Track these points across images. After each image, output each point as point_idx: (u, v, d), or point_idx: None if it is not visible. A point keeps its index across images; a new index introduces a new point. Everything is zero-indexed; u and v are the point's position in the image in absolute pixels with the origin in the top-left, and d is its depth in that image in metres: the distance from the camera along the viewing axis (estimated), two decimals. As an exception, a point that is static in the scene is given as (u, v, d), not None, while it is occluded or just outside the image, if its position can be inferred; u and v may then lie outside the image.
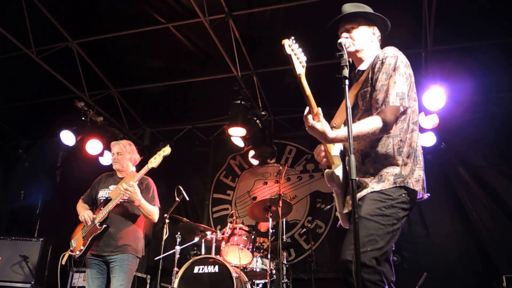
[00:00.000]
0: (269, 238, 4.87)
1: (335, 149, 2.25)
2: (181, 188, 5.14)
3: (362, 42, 2.37)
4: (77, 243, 3.73)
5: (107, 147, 6.21)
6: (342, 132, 2.06)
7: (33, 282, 5.62)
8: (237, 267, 4.77)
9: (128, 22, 5.51)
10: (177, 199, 5.12)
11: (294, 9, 5.12)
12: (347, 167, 2.18)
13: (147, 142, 7.56)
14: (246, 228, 5.14)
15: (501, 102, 5.99)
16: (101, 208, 3.73)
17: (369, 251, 1.96)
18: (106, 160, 6.65)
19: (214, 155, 7.58)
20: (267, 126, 6.75)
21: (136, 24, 5.52)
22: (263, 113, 6.22)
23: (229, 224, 5.18)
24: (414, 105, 2.25)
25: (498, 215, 5.63)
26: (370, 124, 2.09)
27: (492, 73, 5.55)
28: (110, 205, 3.67)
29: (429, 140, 5.76)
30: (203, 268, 4.56)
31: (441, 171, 6.05)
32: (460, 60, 5.44)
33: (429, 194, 2.21)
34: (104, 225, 3.66)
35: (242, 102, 5.86)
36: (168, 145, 3.81)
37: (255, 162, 6.96)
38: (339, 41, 2.14)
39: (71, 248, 3.77)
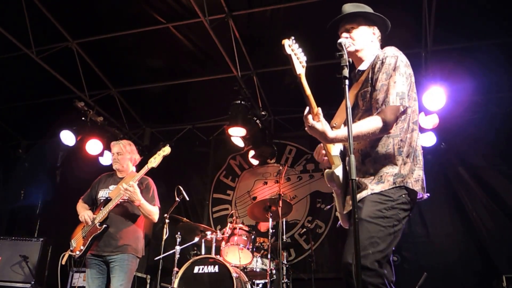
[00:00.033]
0: (269, 238, 4.88)
1: (335, 149, 2.25)
2: (181, 188, 5.14)
3: (362, 42, 2.37)
4: (77, 243, 3.73)
5: (107, 147, 6.21)
6: (342, 132, 2.06)
7: (33, 282, 5.62)
8: (237, 267, 4.77)
9: (128, 22, 5.51)
10: (177, 199, 5.12)
11: (294, 9, 5.12)
12: (347, 167, 2.18)
13: (147, 142, 7.56)
14: (246, 228, 5.14)
15: (501, 102, 5.99)
16: (101, 208, 3.73)
17: (370, 254, 1.95)
18: (106, 160, 6.65)
19: (214, 155, 7.58)
20: (267, 126, 6.75)
21: (136, 24, 5.52)
22: (263, 113, 6.22)
23: (229, 224, 5.18)
24: (414, 104, 2.25)
25: (498, 215, 5.63)
26: (370, 124, 2.09)
27: (492, 73, 5.55)
28: (110, 205, 3.67)
29: (429, 140, 5.76)
30: (203, 268, 4.56)
31: (441, 171, 6.05)
32: (460, 60, 5.44)
33: (428, 194, 2.21)
34: (104, 225, 3.66)
35: (242, 102, 5.86)
36: (168, 145, 3.81)
37: (255, 162, 6.96)
38: (339, 41, 2.14)
39: (71, 248, 3.77)
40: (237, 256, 4.89)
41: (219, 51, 5.58)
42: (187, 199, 5.30)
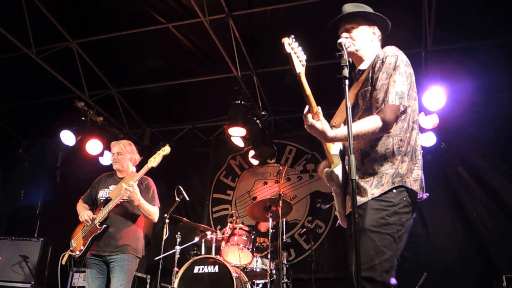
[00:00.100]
0: (269, 238, 4.88)
1: (335, 148, 2.25)
2: (181, 188, 5.14)
3: (362, 41, 2.36)
4: (77, 243, 3.73)
5: (107, 147, 6.21)
6: (341, 131, 2.05)
7: (33, 282, 5.62)
8: (237, 267, 4.77)
9: (128, 22, 5.51)
10: (177, 199, 5.12)
11: (294, 9, 5.12)
12: (346, 167, 2.18)
13: (147, 142, 7.56)
14: (246, 228, 5.14)
15: (501, 102, 5.99)
16: (101, 208, 3.73)
17: (377, 264, 1.93)
18: (106, 160, 6.65)
19: (214, 155, 7.58)
20: (267, 126, 6.75)
21: (136, 24, 5.52)
22: (263, 113, 6.23)
23: (229, 224, 5.18)
24: (414, 104, 2.24)
25: (498, 215, 5.63)
26: (370, 123, 2.08)
27: (492, 73, 5.55)
28: (110, 205, 3.67)
29: (429, 140, 5.76)
30: (203, 268, 4.56)
31: (441, 171, 6.05)
32: (460, 60, 5.43)
33: (428, 194, 2.19)
34: (104, 225, 3.66)
35: (242, 102, 5.86)
36: (168, 145, 3.81)
37: (255, 162, 6.96)
38: (339, 41, 2.13)
39: (71, 248, 3.77)
40: (237, 256, 4.89)
41: (219, 51, 5.58)
42: (187, 199, 5.30)
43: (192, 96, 6.84)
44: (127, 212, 3.79)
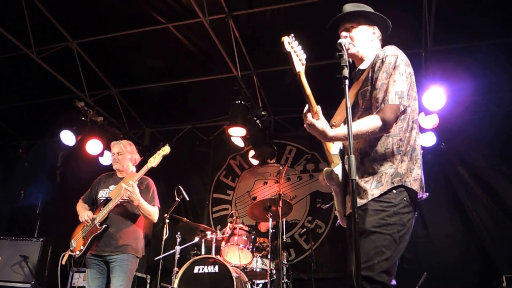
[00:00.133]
0: (269, 238, 4.87)
1: (335, 148, 2.25)
2: (181, 188, 5.14)
3: (362, 41, 2.36)
4: (77, 243, 3.72)
5: (107, 147, 6.21)
6: (341, 130, 2.05)
7: (33, 282, 5.62)
8: (237, 267, 4.77)
9: (128, 22, 5.51)
10: (177, 199, 5.12)
11: (294, 9, 5.12)
12: (346, 166, 2.17)
13: (147, 142, 7.56)
14: (246, 228, 5.14)
15: (501, 102, 5.99)
16: (101, 208, 3.73)
17: (376, 263, 1.92)
18: (106, 160, 6.65)
19: (214, 155, 7.58)
20: (267, 126, 6.75)
21: (136, 24, 5.52)
22: (263, 113, 6.23)
23: (229, 224, 5.18)
24: (414, 104, 2.24)
25: (498, 215, 5.63)
26: (370, 123, 2.07)
27: (492, 73, 5.55)
28: (110, 205, 3.67)
29: (429, 140, 5.76)
30: (203, 268, 4.56)
31: (441, 171, 6.05)
32: (460, 60, 5.43)
33: (427, 194, 2.19)
34: (104, 225, 3.66)
35: (242, 102, 5.86)
36: (168, 145, 3.81)
37: (255, 162, 6.96)
38: (339, 41, 2.12)
39: (71, 248, 3.77)
40: (237, 256, 4.89)
41: (219, 51, 5.58)
42: (187, 199, 5.30)
43: (192, 96, 6.84)
44: (127, 212, 3.79)
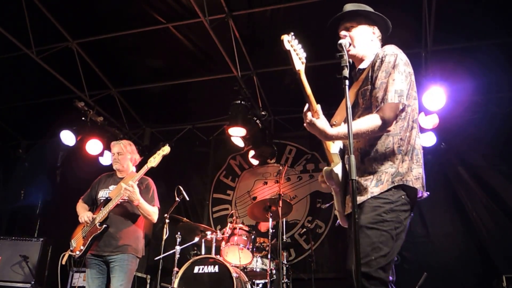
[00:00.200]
0: (269, 238, 4.87)
1: (335, 147, 2.24)
2: (181, 188, 5.14)
3: (362, 41, 2.36)
4: (77, 243, 3.72)
5: (107, 147, 6.21)
6: (342, 129, 2.05)
7: (33, 282, 5.62)
8: (237, 267, 4.77)
9: (128, 22, 5.51)
10: (177, 199, 5.12)
11: (294, 9, 5.12)
12: (346, 166, 2.17)
13: (147, 142, 7.56)
14: (246, 228, 5.14)
15: (501, 102, 6.00)
16: (101, 208, 3.73)
17: (373, 259, 1.92)
18: (106, 160, 6.65)
19: (214, 155, 7.58)
20: (267, 126, 6.75)
21: (136, 24, 5.52)
22: (263, 113, 6.23)
23: (229, 224, 5.18)
24: (414, 103, 2.24)
25: (498, 215, 5.63)
26: (369, 122, 2.08)
27: (492, 73, 5.55)
28: (110, 205, 3.67)
29: (429, 140, 5.76)
30: (203, 268, 4.56)
31: (441, 171, 6.05)
32: (460, 60, 5.43)
33: (428, 193, 2.20)
34: (104, 225, 3.66)
35: (242, 102, 5.86)
36: (168, 144, 3.81)
37: (255, 162, 6.96)
38: (339, 42, 2.13)
39: (71, 248, 3.77)
40: (237, 256, 4.89)
41: (219, 51, 5.58)
42: (187, 199, 5.30)
43: (192, 96, 6.84)
44: (127, 212, 3.79)
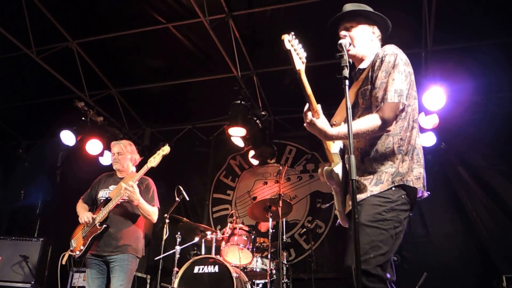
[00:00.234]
0: (269, 238, 4.87)
1: (335, 147, 2.25)
2: (181, 188, 5.14)
3: (362, 41, 2.36)
4: (77, 243, 3.72)
5: (107, 147, 6.21)
6: (342, 129, 2.05)
7: (33, 282, 5.62)
8: (237, 267, 4.77)
9: (128, 22, 5.51)
10: (177, 199, 5.12)
11: (294, 9, 5.12)
12: (346, 165, 2.17)
13: (147, 142, 7.56)
14: (246, 228, 5.14)
15: (501, 102, 6.00)
16: (101, 208, 3.73)
17: (372, 257, 1.93)
18: (106, 160, 6.65)
19: (214, 155, 7.58)
20: (267, 126, 6.75)
21: (136, 24, 5.52)
22: (263, 113, 6.23)
23: (229, 224, 5.18)
24: (414, 103, 2.24)
25: (498, 215, 5.63)
26: (369, 121, 2.08)
27: (492, 73, 5.55)
28: (110, 205, 3.67)
29: (429, 140, 5.76)
30: (203, 268, 4.56)
31: (441, 171, 6.05)
32: (460, 60, 5.44)
33: (429, 193, 2.20)
34: (104, 225, 3.66)
35: (242, 102, 5.86)
36: (167, 144, 3.81)
37: (255, 162, 6.96)
38: (339, 42, 2.13)
39: (71, 248, 3.77)
40: (237, 256, 4.89)
41: (219, 51, 5.58)
42: (187, 199, 5.30)
43: (192, 96, 6.84)
44: (127, 212, 3.79)
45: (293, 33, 1.98)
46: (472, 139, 5.99)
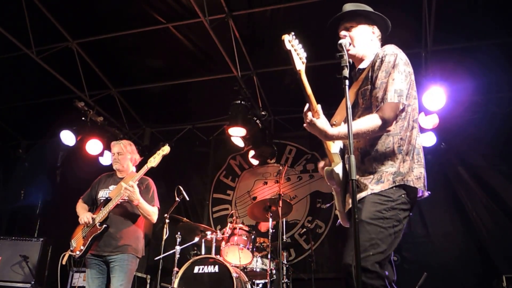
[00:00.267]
0: (269, 238, 4.87)
1: (335, 147, 2.25)
2: (181, 188, 5.14)
3: (362, 41, 2.36)
4: (77, 243, 3.72)
5: (107, 147, 6.21)
6: (342, 129, 2.06)
7: (33, 282, 5.62)
8: (237, 267, 4.77)
9: (128, 22, 5.51)
10: (177, 199, 5.12)
11: (294, 9, 5.12)
12: (346, 165, 2.18)
13: (147, 142, 7.56)
14: (246, 228, 5.14)
15: (501, 102, 6.00)
16: (101, 208, 3.73)
17: (371, 255, 1.94)
18: (106, 160, 6.65)
19: (214, 155, 7.58)
20: (267, 126, 6.75)
21: (136, 24, 5.52)
22: (263, 113, 6.23)
23: (229, 224, 5.18)
24: (414, 103, 2.25)
25: (498, 215, 5.63)
26: (369, 122, 2.08)
27: (492, 73, 5.55)
28: (110, 205, 3.67)
29: (429, 140, 5.76)
30: (203, 268, 4.56)
31: (441, 171, 6.05)
32: (460, 60, 5.44)
33: (429, 192, 2.20)
34: (104, 225, 3.66)
35: (242, 102, 5.86)
36: (167, 144, 3.80)
37: (255, 162, 6.96)
38: (339, 42, 2.13)
39: (71, 248, 3.77)
40: (237, 256, 4.89)
41: (219, 51, 5.58)
42: (187, 199, 5.30)
43: (192, 96, 6.84)
44: (127, 212, 3.79)
45: (293, 33, 1.99)
46: (472, 139, 5.99)
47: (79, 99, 6.28)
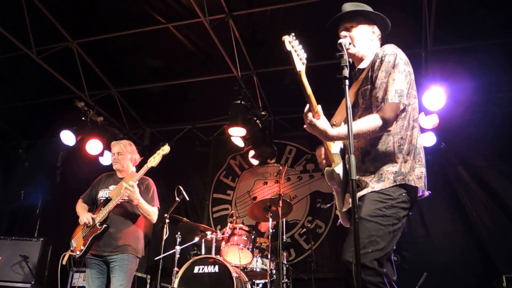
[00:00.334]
0: (269, 238, 4.87)
1: (335, 147, 2.25)
2: (181, 188, 5.13)
3: (362, 41, 2.36)
4: (77, 243, 3.72)
5: (107, 147, 6.21)
6: (342, 130, 2.06)
7: (33, 282, 5.62)
8: (237, 267, 4.77)
9: (128, 22, 5.51)
10: (177, 199, 5.12)
11: (294, 9, 5.12)
12: (347, 165, 2.18)
13: (147, 142, 7.57)
14: (246, 228, 5.13)
15: (501, 102, 6.00)
16: (101, 208, 3.73)
17: (370, 252, 1.95)
18: (106, 160, 6.65)
19: (214, 155, 7.58)
20: (267, 126, 6.75)
21: (136, 24, 5.52)
22: (263, 113, 6.23)
23: (229, 224, 5.18)
24: (415, 102, 2.25)
25: (498, 215, 5.63)
26: (370, 122, 2.08)
27: (492, 73, 5.55)
28: (110, 205, 3.67)
29: (429, 140, 5.77)
30: (203, 268, 4.56)
31: (441, 171, 6.05)
32: (460, 60, 5.44)
33: (429, 192, 2.21)
34: (104, 225, 3.66)
35: (242, 102, 5.86)
36: (167, 144, 3.80)
37: (255, 162, 6.96)
38: (339, 41, 2.13)
39: (71, 248, 3.76)
40: (237, 256, 4.89)
41: (219, 51, 5.58)
42: (187, 199, 5.30)
43: (192, 96, 6.84)
44: (127, 212, 3.79)
45: (293, 34, 1.99)
46: (472, 139, 5.99)
47: (79, 99, 6.28)
